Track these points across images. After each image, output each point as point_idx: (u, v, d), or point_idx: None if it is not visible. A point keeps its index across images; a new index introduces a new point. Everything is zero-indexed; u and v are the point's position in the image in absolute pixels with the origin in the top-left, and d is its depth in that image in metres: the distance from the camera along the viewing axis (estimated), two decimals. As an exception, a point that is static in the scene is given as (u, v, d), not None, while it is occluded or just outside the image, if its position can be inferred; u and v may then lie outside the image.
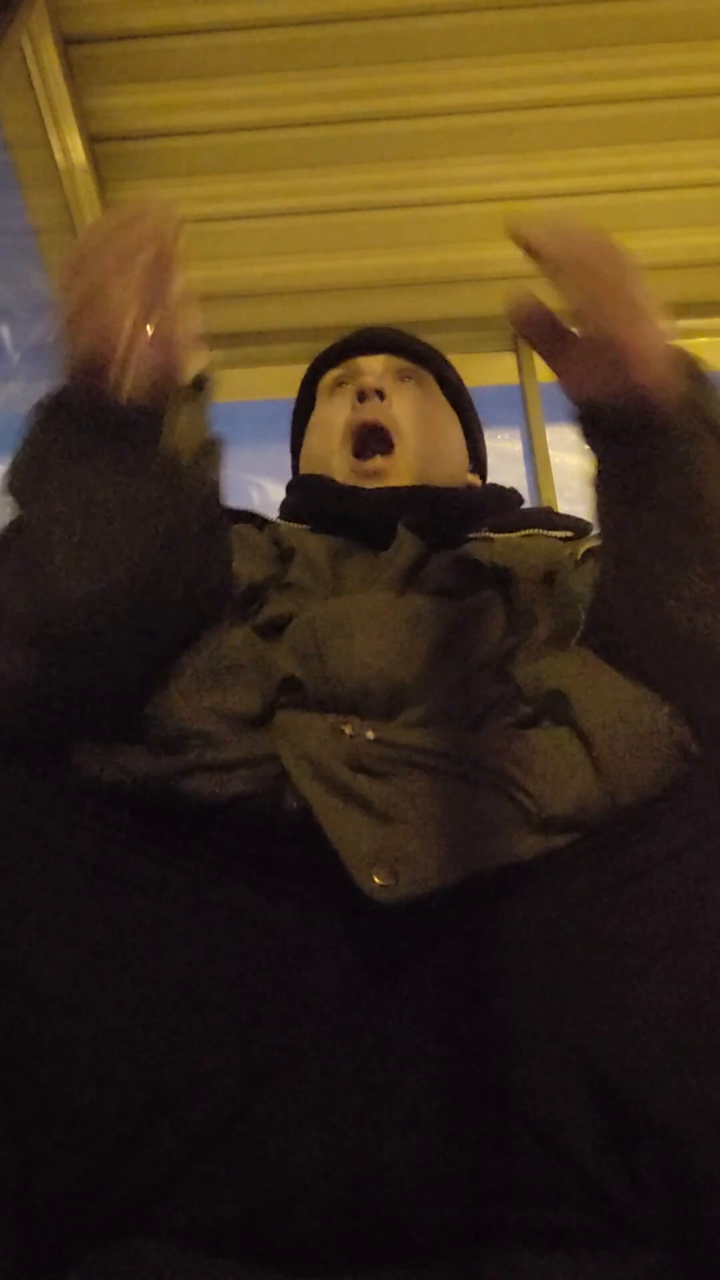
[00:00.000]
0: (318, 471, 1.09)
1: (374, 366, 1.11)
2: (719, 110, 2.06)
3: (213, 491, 0.75)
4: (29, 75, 1.92)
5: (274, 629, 0.79)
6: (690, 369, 0.69)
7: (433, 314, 2.24)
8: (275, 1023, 0.58)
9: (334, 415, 1.10)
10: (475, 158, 2.12)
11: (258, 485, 2.51)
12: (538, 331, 0.71)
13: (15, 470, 0.70)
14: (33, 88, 1.94)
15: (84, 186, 2.10)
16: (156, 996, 0.58)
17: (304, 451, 1.15)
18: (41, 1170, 0.53)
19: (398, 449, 1.04)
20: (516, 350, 2.49)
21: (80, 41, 1.96)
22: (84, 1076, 0.55)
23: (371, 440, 1.05)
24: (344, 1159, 0.55)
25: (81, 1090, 0.55)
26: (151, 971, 0.58)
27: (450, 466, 1.08)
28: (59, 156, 2.05)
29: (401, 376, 1.10)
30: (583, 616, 0.79)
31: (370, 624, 0.75)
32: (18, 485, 0.70)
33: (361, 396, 1.07)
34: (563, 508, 1.63)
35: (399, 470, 1.03)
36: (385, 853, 0.59)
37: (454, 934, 0.61)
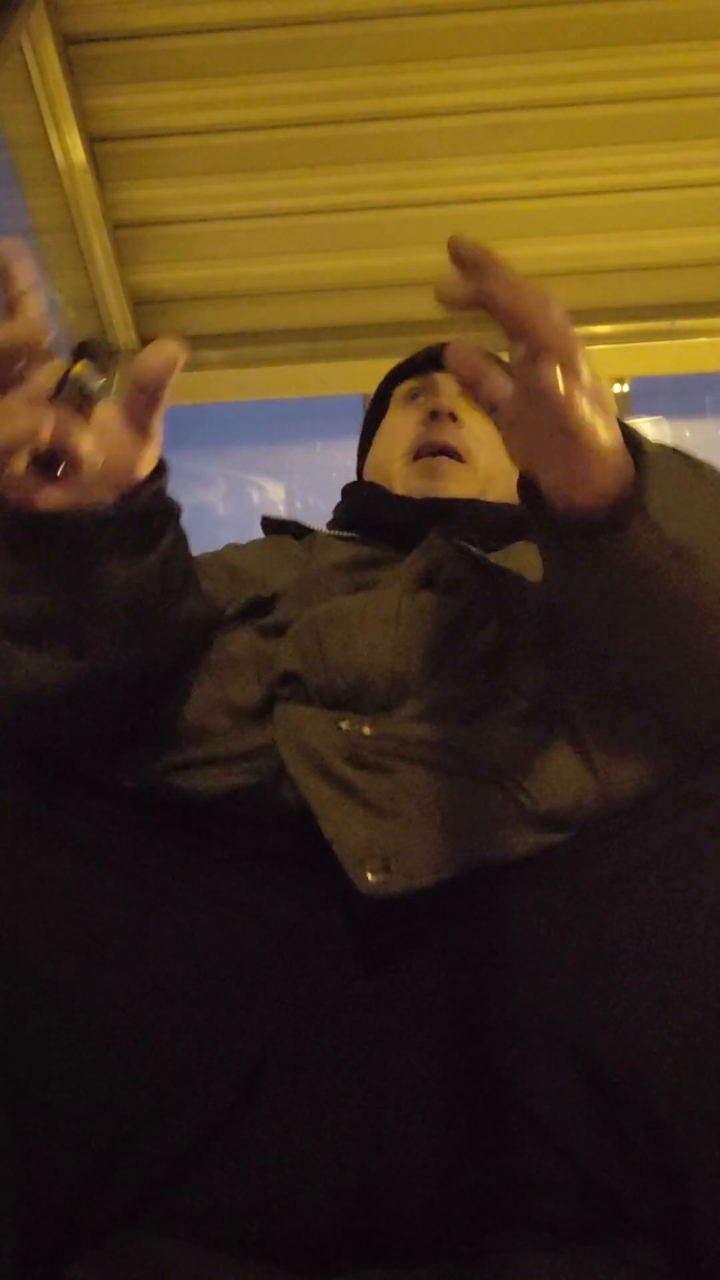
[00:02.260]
0: (378, 479, 1.10)
1: (450, 386, 1.10)
2: (719, 110, 2.06)
3: None
4: (29, 75, 1.92)
5: (276, 631, 0.79)
6: (637, 451, 0.60)
7: (433, 314, 2.23)
8: (272, 1017, 0.58)
9: (403, 427, 1.10)
10: (475, 158, 2.11)
11: (258, 485, 2.51)
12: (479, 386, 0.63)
13: None
14: (33, 88, 1.94)
15: (84, 186, 2.09)
16: (156, 990, 0.58)
17: (369, 456, 1.16)
18: (43, 1164, 0.54)
19: (465, 468, 1.05)
20: (516, 350, 2.49)
21: (80, 41, 1.95)
22: (85, 1070, 0.56)
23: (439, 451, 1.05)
24: (342, 1152, 0.55)
25: (82, 1084, 0.55)
26: (151, 965, 0.59)
27: (511, 490, 1.08)
28: (59, 156, 2.05)
29: None
30: None
31: (369, 619, 0.75)
32: None
33: (434, 416, 1.07)
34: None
35: (461, 485, 1.03)
36: (379, 847, 0.59)
37: (450, 929, 0.61)
